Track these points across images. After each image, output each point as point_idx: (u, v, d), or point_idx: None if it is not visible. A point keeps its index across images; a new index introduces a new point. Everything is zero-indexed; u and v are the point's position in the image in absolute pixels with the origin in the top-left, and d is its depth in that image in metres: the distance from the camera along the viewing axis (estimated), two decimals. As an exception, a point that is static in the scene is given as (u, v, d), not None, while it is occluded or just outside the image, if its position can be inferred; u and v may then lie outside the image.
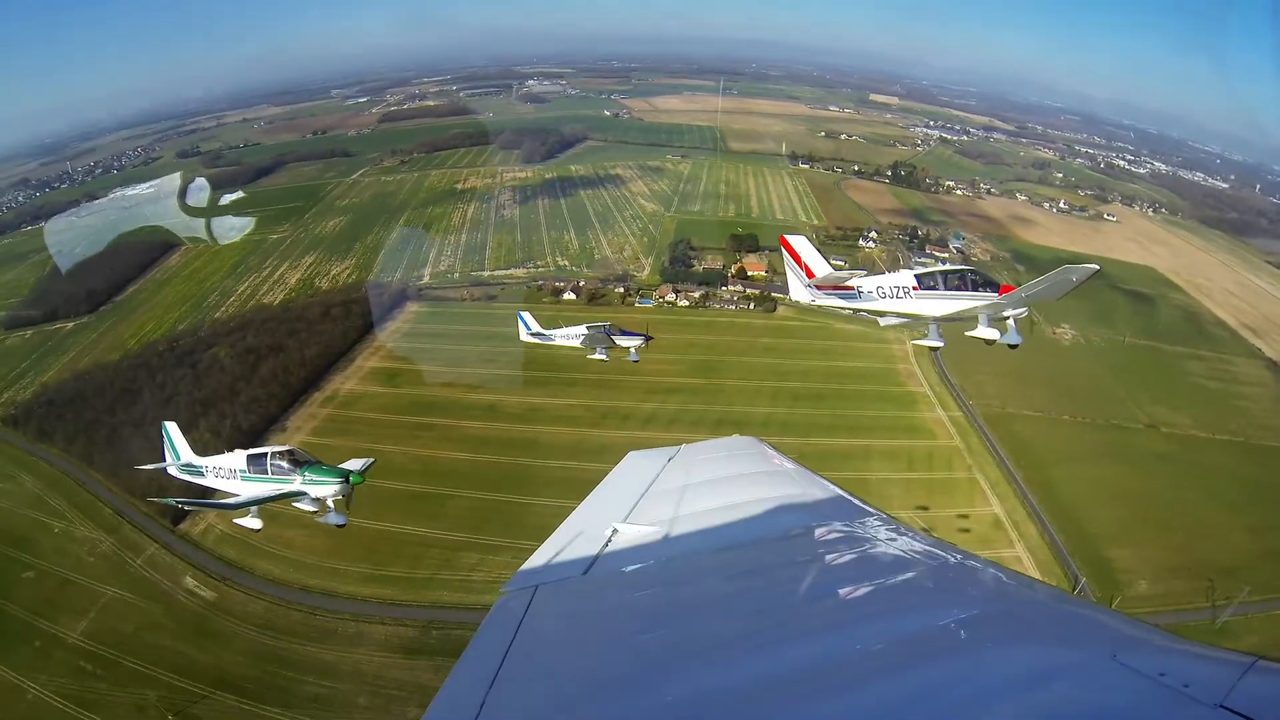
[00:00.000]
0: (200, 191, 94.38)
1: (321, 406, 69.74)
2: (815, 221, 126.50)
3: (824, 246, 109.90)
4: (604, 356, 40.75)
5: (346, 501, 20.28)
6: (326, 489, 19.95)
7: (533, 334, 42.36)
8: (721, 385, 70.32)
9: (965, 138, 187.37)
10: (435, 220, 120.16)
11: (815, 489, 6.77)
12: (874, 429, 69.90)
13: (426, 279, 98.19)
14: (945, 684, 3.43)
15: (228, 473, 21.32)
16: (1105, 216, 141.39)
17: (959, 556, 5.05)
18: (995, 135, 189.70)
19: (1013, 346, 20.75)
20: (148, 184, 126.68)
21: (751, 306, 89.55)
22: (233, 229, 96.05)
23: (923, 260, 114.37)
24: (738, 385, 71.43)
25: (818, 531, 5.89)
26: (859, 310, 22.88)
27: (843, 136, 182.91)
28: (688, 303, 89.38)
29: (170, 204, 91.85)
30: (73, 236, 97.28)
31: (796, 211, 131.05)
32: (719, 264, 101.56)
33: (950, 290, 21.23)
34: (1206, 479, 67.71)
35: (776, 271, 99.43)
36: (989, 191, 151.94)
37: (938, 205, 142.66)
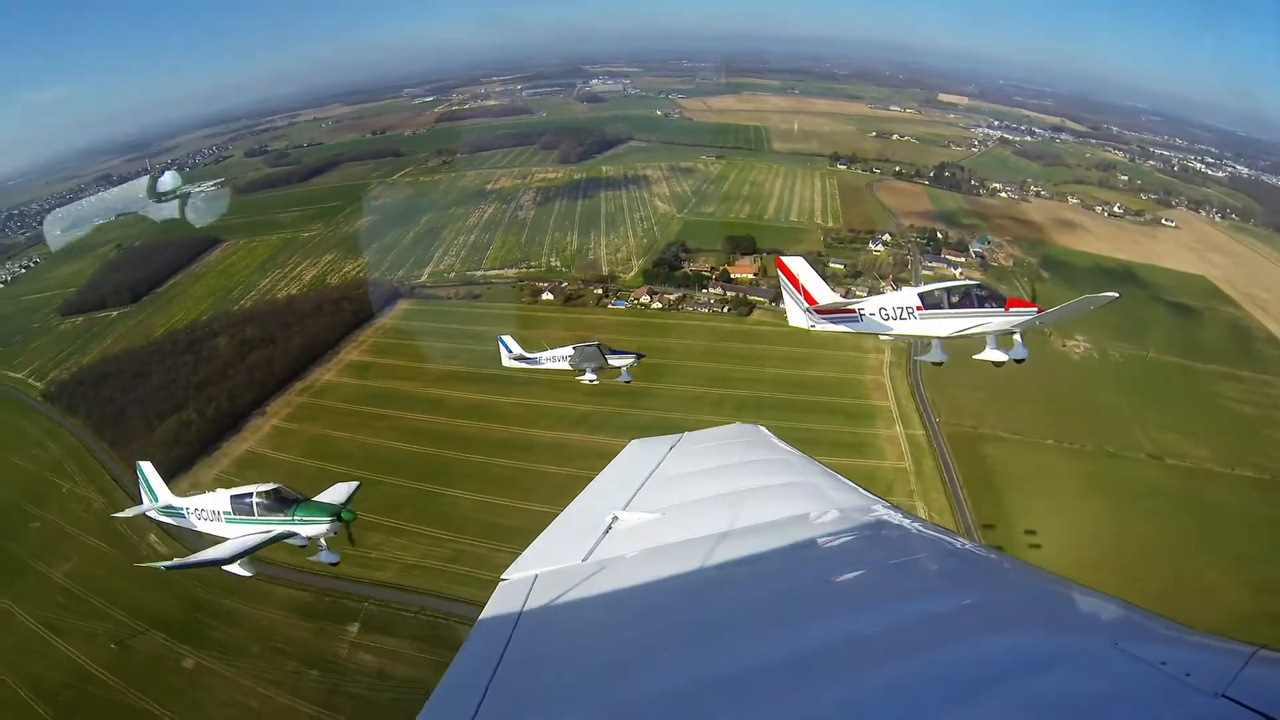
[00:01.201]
0: (169, 183, 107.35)
1: (299, 395, 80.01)
2: (830, 223, 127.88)
3: (830, 249, 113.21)
4: (594, 378, 39.28)
5: (350, 536, 20.06)
6: (317, 528, 19.55)
7: (515, 358, 40.61)
8: (667, 390, 74.46)
9: (1029, 138, 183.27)
10: (453, 220, 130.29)
11: (817, 476, 6.94)
12: (816, 445, 71.50)
13: (424, 277, 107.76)
14: (946, 670, 3.56)
15: (210, 514, 20.87)
16: (1163, 222, 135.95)
17: (961, 544, 5.17)
18: (1063, 136, 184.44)
19: (1019, 361, 20.81)
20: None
21: (726, 310, 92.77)
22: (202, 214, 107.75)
23: (932, 266, 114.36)
24: (684, 390, 75.45)
25: (820, 518, 5.98)
26: (861, 333, 22.97)
27: (894, 137, 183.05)
28: (661, 305, 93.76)
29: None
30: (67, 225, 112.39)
31: (814, 213, 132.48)
32: (707, 266, 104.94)
33: (956, 308, 21.06)
34: (1210, 522, 62.06)
35: (767, 274, 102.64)
36: (1038, 194, 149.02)
37: (976, 208, 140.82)
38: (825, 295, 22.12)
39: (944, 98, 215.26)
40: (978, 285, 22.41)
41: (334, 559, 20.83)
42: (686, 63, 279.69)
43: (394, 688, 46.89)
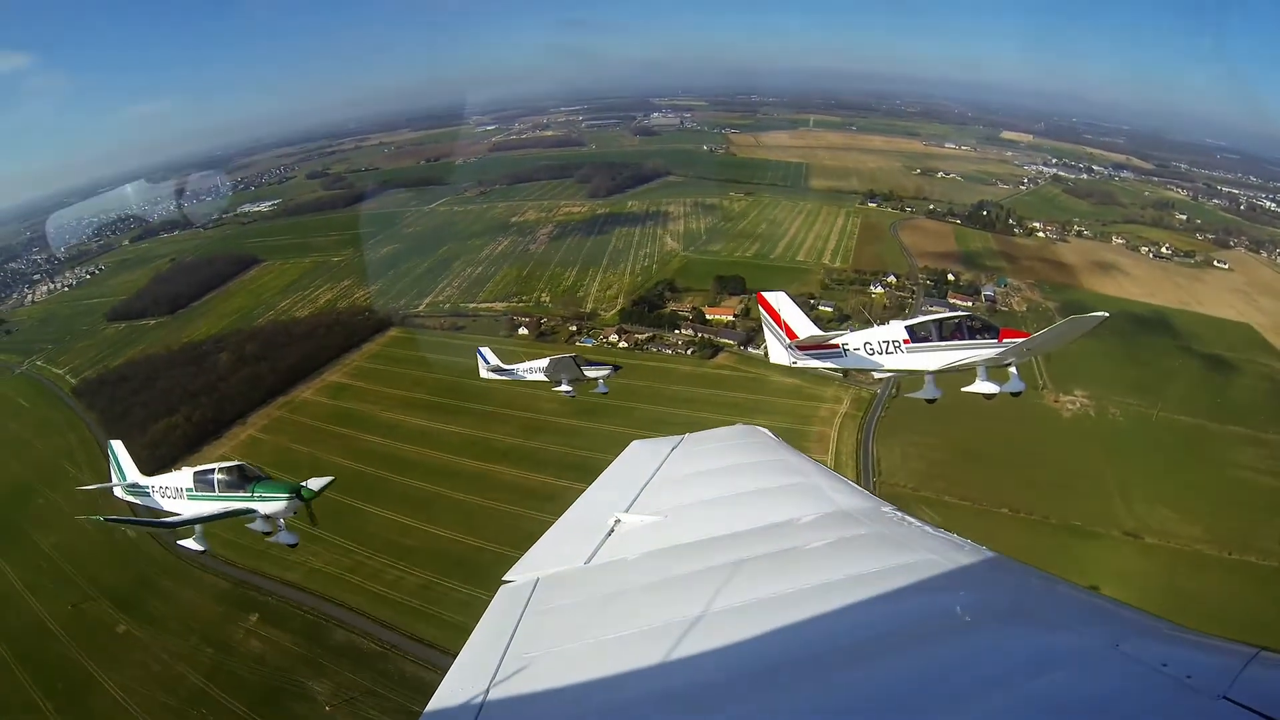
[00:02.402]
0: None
1: (278, 409, 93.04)
2: (838, 264, 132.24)
3: (827, 291, 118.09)
4: (570, 390, 40.07)
5: (311, 518, 20.60)
6: (276, 505, 20.06)
7: (491, 369, 41.90)
8: (599, 430, 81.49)
9: (1084, 176, 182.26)
10: (468, 251, 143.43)
11: (819, 477, 7.27)
12: None
13: (422, 307, 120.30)
14: (946, 670, 3.73)
15: (174, 491, 21.48)
16: (1215, 263, 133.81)
17: (964, 545, 5.39)
18: (1123, 174, 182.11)
19: (1015, 394, 20.79)
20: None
21: (690, 352, 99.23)
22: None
23: (933, 310, 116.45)
24: (616, 431, 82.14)
25: (821, 520, 6.18)
26: (847, 370, 23.06)
27: (939, 174, 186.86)
28: (628, 345, 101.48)
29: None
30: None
31: (824, 253, 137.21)
32: (688, 306, 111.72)
33: (945, 340, 20.94)
34: (1186, 610, 58.50)
35: (749, 315, 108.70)
36: (1080, 234, 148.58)
37: (1005, 248, 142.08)
38: (807, 330, 22.02)
39: (1007, 135, 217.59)
40: (969, 316, 22.12)
41: (292, 540, 21.49)
42: (755, 98, 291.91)
43: (267, 672, 56.57)
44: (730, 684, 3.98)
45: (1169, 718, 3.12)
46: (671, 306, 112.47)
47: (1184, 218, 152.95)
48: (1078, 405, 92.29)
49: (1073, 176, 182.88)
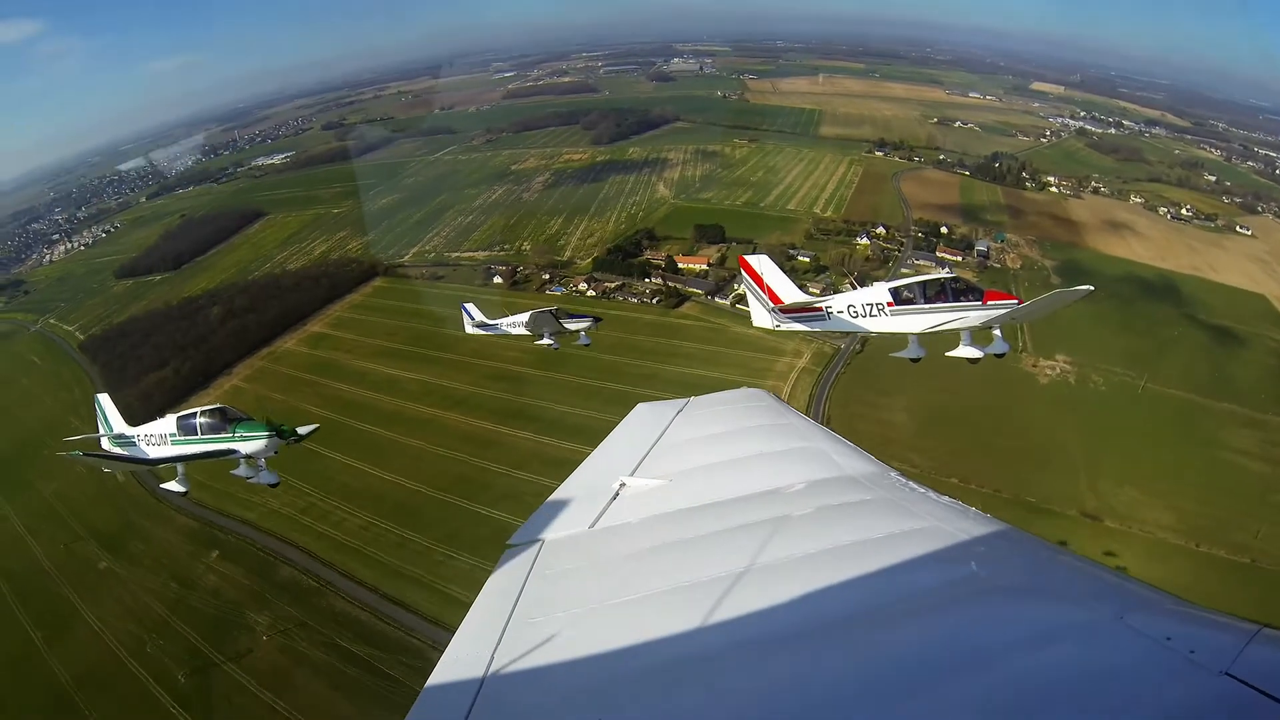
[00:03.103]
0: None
1: (262, 360, 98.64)
2: (829, 213, 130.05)
3: (809, 241, 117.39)
4: (552, 343, 41.08)
5: (295, 435, 21.05)
6: (256, 444, 20.56)
7: (477, 325, 42.66)
8: (553, 379, 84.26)
9: (1112, 131, 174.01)
10: (462, 201, 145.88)
11: (824, 442, 7.29)
12: None
13: (408, 257, 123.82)
14: (950, 641, 3.76)
15: (158, 439, 21.94)
16: (1238, 229, 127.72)
17: (969, 513, 5.39)
18: (1155, 130, 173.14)
19: (999, 356, 21.14)
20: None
21: (656, 301, 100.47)
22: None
23: (918, 264, 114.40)
24: (570, 380, 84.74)
25: (826, 485, 6.21)
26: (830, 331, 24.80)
27: (956, 124, 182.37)
28: (595, 293, 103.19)
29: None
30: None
31: (817, 202, 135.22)
32: (662, 255, 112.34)
33: (930, 303, 21.02)
34: None
35: (725, 264, 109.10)
36: (1096, 190, 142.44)
37: (1013, 202, 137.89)
38: (791, 294, 22.10)
39: (1037, 86, 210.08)
40: (953, 278, 22.18)
41: (273, 480, 22.09)
42: (780, 44, 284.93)
43: (219, 604, 62.46)
44: (735, 648, 4.01)
45: (1172, 692, 3.15)
46: (648, 255, 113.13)
47: (1213, 179, 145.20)
48: (1057, 371, 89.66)
49: (1099, 131, 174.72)
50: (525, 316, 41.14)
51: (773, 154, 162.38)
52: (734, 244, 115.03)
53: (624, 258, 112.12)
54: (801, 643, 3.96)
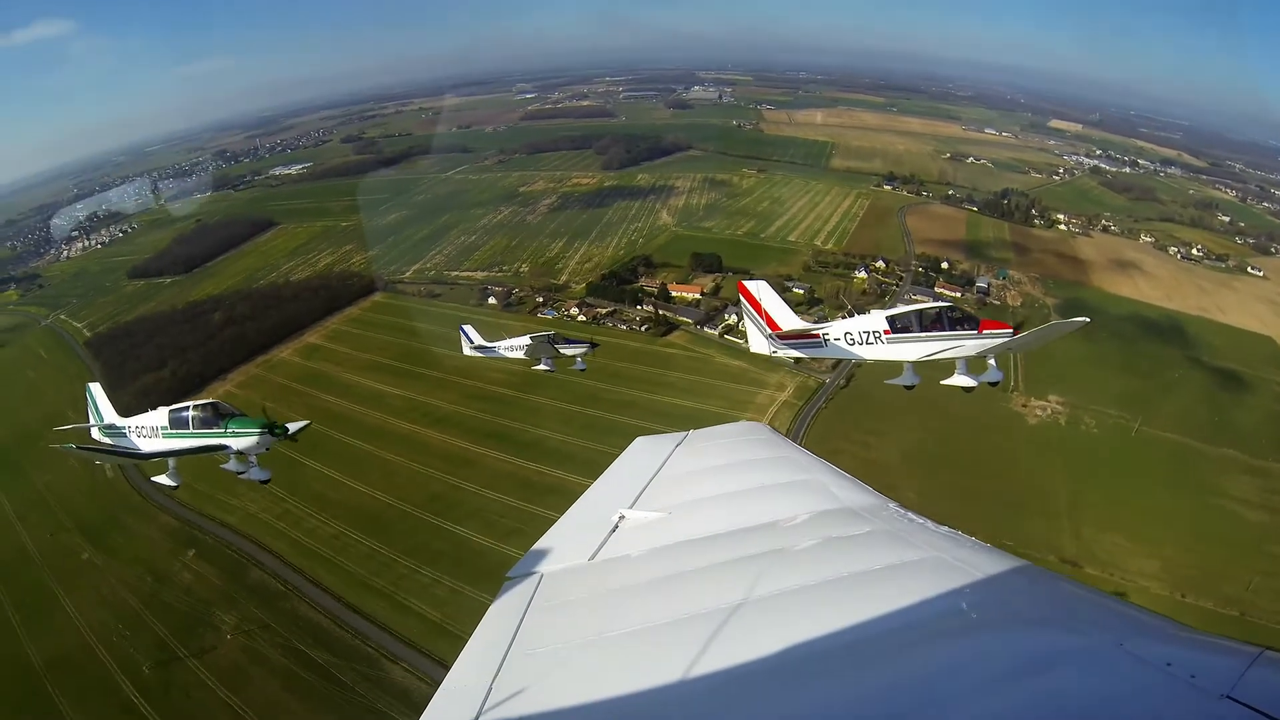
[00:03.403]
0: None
1: (256, 367, 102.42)
2: (829, 246, 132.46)
3: (807, 273, 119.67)
4: (549, 367, 42.38)
5: (288, 432, 21.28)
6: (248, 440, 20.72)
7: (476, 348, 43.46)
8: (530, 401, 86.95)
9: (1127, 170, 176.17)
10: (468, 220, 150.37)
11: (824, 474, 7.42)
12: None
13: (408, 274, 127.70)
14: (951, 668, 3.82)
15: (150, 431, 22.08)
16: (1249, 270, 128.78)
17: (967, 543, 5.50)
18: (1170, 170, 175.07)
19: (993, 384, 21.58)
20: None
21: (644, 329, 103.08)
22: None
23: (916, 298, 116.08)
24: (549, 404, 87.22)
25: (825, 517, 6.32)
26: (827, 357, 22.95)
27: (969, 160, 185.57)
28: (585, 318, 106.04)
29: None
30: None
31: (819, 235, 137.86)
32: (656, 283, 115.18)
33: (926, 331, 21.40)
34: None
35: (719, 294, 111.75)
36: (1106, 228, 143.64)
37: (1019, 239, 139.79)
38: (789, 321, 22.57)
39: (1056, 124, 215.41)
40: (949, 307, 22.56)
41: (264, 476, 22.35)
42: (802, 75, 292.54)
43: (190, 601, 65.32)
44: (734, 681, 4.04)
45: (1173, 717, 3.16)
46: (643, 282, 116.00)
47: (1226, 219, 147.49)
48: (1048, 412, 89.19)
49: (1113, 170, 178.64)
50: (523, 340, 42.77)
51: (780, 185, 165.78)
52: (730, 274, 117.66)
53: (618, 284, 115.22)
54: (802, 674, 4.01)
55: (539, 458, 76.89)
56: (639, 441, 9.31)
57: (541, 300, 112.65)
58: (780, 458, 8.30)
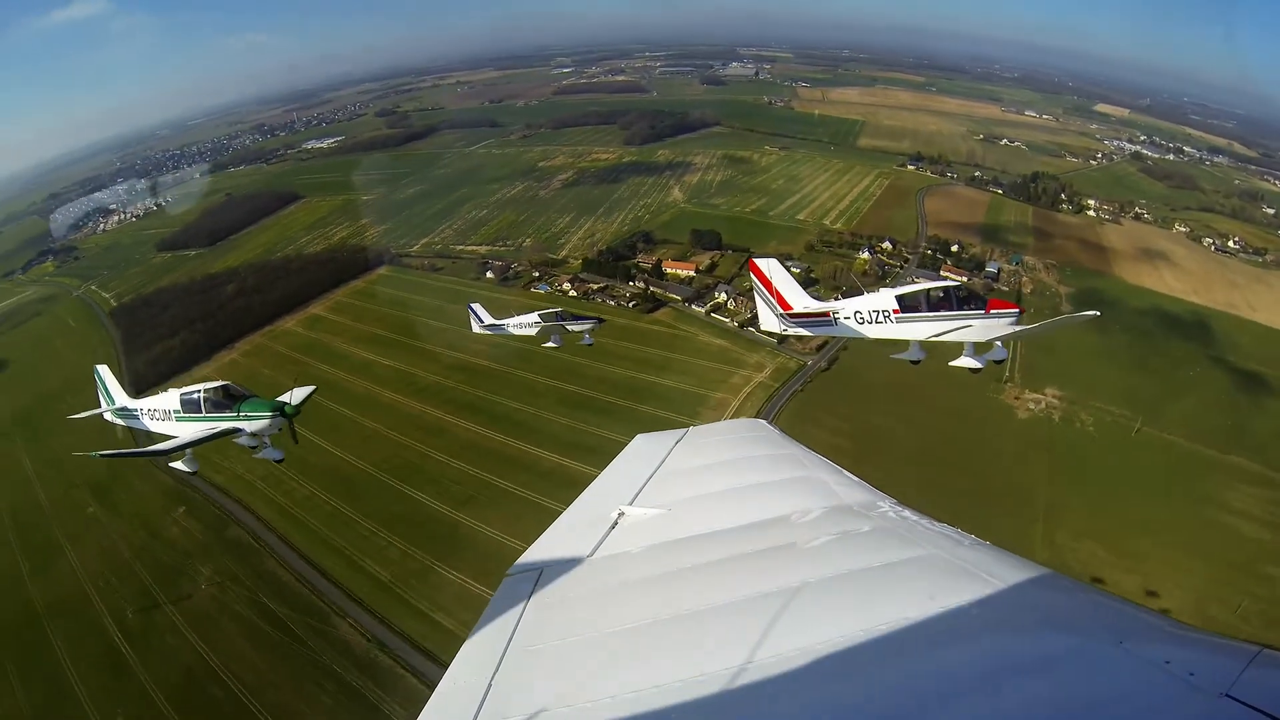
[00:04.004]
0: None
1: (262, 337, 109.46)
2: (838, 225, 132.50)
3: (810, 253, 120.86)
4: (557, 343, 43.31)
5: (294, 434, 22.29)
6: (261, 423, 21.53)
7: (486, 326, 44.42)
8: (509, 374, 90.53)
9: (1170, 157, 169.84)
10: (481, 195, 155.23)
11: (824, 472, 7.63)
12: (579, 448, 74.61)
13: (416, 247, 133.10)
14: (950, 667, 3.91)
15: (162, 414, 23.02)
16: None
17: (966, 541, 5.63)
18: (1217, 159, 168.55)
19: (998, 363, 22.16)
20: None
21: (632, 305, 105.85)
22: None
23: (917, 279, 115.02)
24: (524, 377, 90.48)
25: (825, 514, 6.47)
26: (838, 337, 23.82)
27: (1003, 142, 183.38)
28: (576, 294, 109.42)
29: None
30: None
31: (829, 214, 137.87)
32: (652, 259, 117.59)
33: (934, 310, 21.84)
34: None
35: (714, 271, 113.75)
36: (1137, 216, 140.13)
37: (1042, 224, 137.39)
38: (800, 300, 22.93)
39: (1101, 108, 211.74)
40: (957, 286, 23.08)
41: (278, 455, 23.10)
42: (846, 53, 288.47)
43: (174, 554, 72.11)
44: (733, 677, 4.12)
45: (1172, 715, 3.25)
46: (640, 258, 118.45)
47: (1271, 211, 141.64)
48: (1041, 406, 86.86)
49: (1156, 156, 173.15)
50: (532, 318, 43.27)
51: (801, 163, 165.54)
52: (729, 251, 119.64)
53: (615, 260, 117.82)
54: (801, 670, 4.07)
55: (507, 429, 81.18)
56: (639, 439, 9.50)
57: (537, 275, 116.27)
58: (780, 455, 8.50)
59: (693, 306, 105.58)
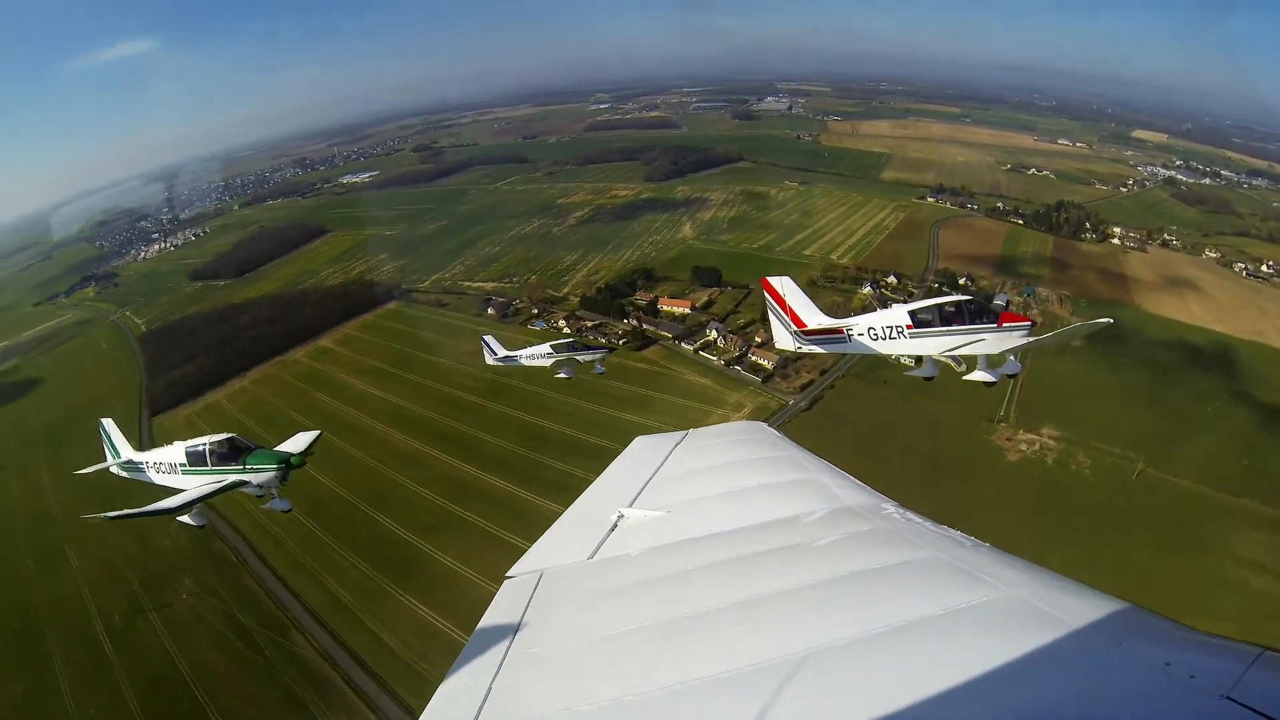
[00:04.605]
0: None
1: (272, 366, 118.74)
2: (846, 260, 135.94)
3: (812, 288, 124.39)
4: (569, 374, 45.19)
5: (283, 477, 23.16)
6: (266, 475, 22.92)
7: (500, 359, 46.27)
8: (488, 408, 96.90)
9: (1207, 181, 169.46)
10: (498, 231, 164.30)
11: (823, 474, 7.87)
12: (535, 480, 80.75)
13: (427, 283, 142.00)
14: (950, 667, 3.96)
15: (168, 467, 24.22)
16: None
17: (966, 542, 5.82)
18: (1255, 181, 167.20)
19: (1011, 376, 22.90)
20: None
21: (622, 343, 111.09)
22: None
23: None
24: (500, 411, 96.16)
25: (826, 516, 6.68)
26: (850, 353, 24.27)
27: (1030, 172, 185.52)
28: (570, 331, 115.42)
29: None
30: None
31: (839, 247, 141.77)
32: (649, 297, 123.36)
33: (947, 325, 22.52)
34: None
35: (709, 309, 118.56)
36: (1166, 243, 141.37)
37: (1061, 254, 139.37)
38: (814, 318, 23.61)
39: (1139, 134, 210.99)
40: (968, 300, 23.58)
41: (285, 506, 24.15)
42: (884, 85, 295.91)
43: (160, 565, 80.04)
44: (734, 680, 4.25)
45: (1173, 717, 3.32)
46: (638, 295, 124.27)
47: None
48: (1035, 447, 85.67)
49: (1190, 181, 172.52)
50: (545, 348, 46.25)
51: (818, 197, 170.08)
52: (728, 288, 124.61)
53: (613, 297, 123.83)
54: (801, 673, 4.19)
55: (473, 460, 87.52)
56: (638, 440, 9.85)
57: (536, 312, 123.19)
58: (780, 457, 8.70)
59: (683, 344, 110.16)
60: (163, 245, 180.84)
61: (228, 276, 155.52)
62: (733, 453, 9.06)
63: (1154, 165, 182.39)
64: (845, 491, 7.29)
